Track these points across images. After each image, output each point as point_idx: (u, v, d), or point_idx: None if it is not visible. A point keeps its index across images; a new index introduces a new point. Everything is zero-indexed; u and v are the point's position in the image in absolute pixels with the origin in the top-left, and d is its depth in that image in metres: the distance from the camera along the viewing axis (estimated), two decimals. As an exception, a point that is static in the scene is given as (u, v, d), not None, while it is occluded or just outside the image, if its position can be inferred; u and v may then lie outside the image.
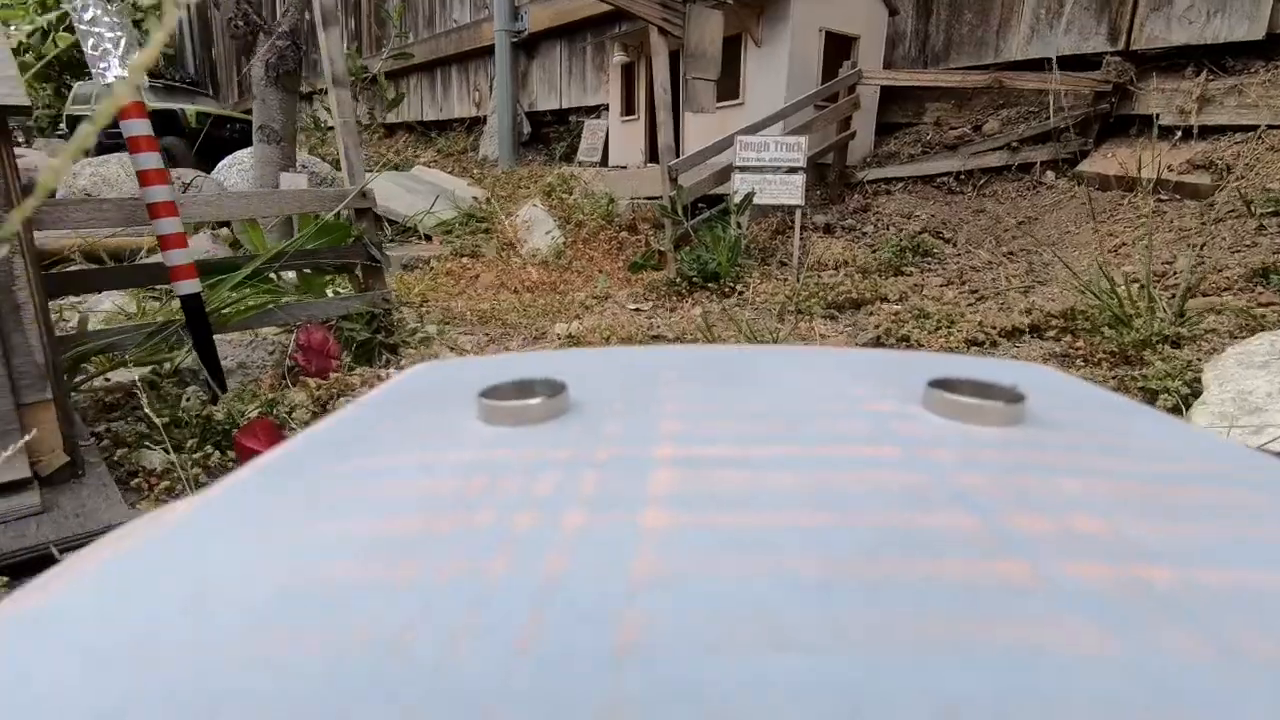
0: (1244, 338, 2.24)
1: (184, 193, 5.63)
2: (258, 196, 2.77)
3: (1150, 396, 1.99)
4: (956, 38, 5.69)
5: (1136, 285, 2.67)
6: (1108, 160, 4.62)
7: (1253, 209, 3.54)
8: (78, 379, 2.24)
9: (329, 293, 3.00)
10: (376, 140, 10.06)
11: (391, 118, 9.81)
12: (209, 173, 6.87)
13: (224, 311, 2.37)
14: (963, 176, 5.25)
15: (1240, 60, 4.36)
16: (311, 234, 2.65)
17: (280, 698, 0.13)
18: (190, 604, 0.16)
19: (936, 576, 0.16)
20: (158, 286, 2.79)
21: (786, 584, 0.15)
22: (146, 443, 1.88)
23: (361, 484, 0.22)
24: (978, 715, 0.12)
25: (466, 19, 9.31)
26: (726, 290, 4.03)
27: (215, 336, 2.24)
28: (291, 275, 2.95)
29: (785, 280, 4.08)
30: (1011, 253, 4.23)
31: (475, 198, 6.40)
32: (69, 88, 10.04)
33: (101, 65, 1.90)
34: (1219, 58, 4.43)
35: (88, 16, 1.86)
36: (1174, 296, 2.61)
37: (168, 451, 1.73)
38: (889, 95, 5.93)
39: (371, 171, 6.61)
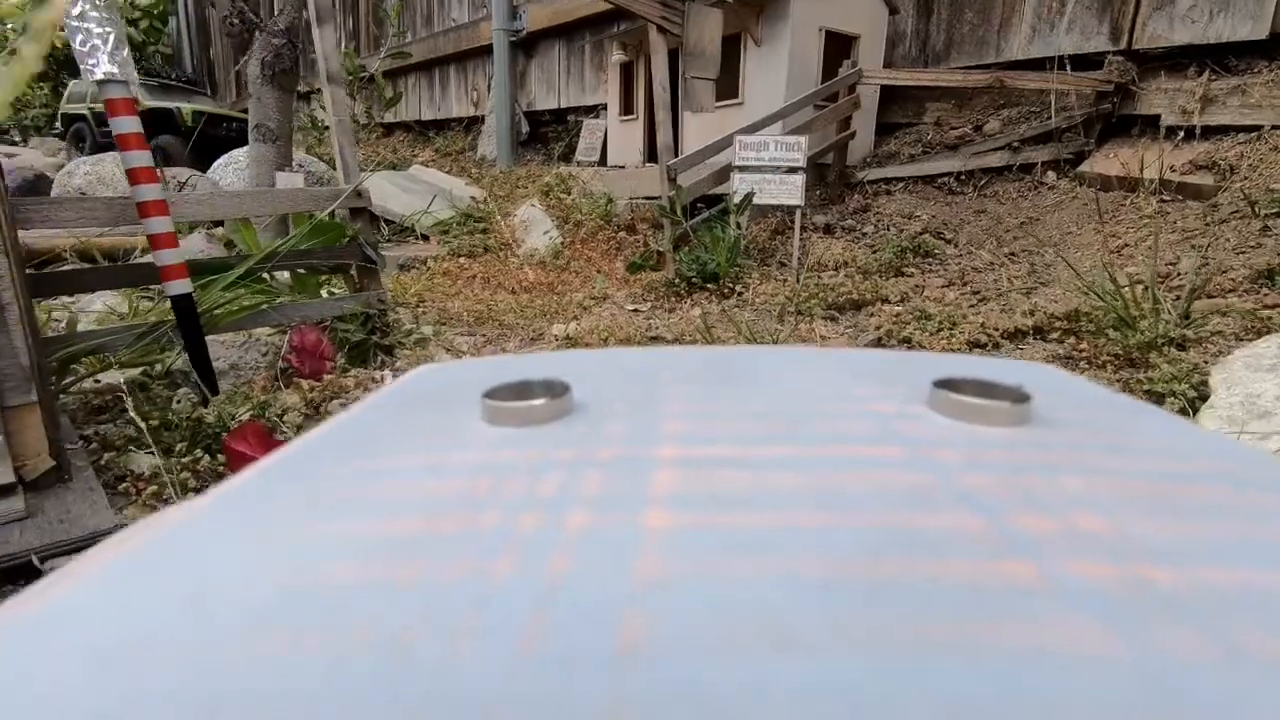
0: (1251, 340, 2.21)
1: (179, 191, 5.60)
2: (250, 195, 2.73)
3: (1156, 400, 1.96)
4: (957, 37, 5.67)
5: (1141, 286, 2.64)
6: (1110, 160, 4.60)
7: (1257, 210, 3.52)
8: (66, 381, 2.20)
9: (323, 293, 2.96)
10: (374, 139, 10.03)
11: (389, 117, 9.77)
12: (205, 172, 6.84)
13: (216, 312, 2.33)
14: (964, 177, 5.23)
15: (1243, 60, 4.34)
16: (305, 233, 2.62)
17: (281, 698, 0.13)
18: (191, 604, 0.16)
19: (940, 577, 0.16)
20: (151, 286, 2.76)
21: (789, 585, 0.15)
22: (134, 446, 1.84)
23: (364, 485, 0.22)
24: (981, 716, 0.12)
25: (465, 18, 9.30)
26: (726, 291, 3.99)
27: (208, 337, 2.20)
28: (286, 275, 2.92)
29: (785, 281, 4.05)
30: (1013, 253, 4.20)
31: (473, 197, 6.36)
32: (66, 85, 10.04)
33: (90, 61, 1.87)
34: (1222, 57, 4.40)
35: (76, 11, 1.83)
36: (1179, 298, 2.58)
37: (155, 455, 1.69)
38: (889, 95, 5.90)
39: (367, 170, 6.57)
